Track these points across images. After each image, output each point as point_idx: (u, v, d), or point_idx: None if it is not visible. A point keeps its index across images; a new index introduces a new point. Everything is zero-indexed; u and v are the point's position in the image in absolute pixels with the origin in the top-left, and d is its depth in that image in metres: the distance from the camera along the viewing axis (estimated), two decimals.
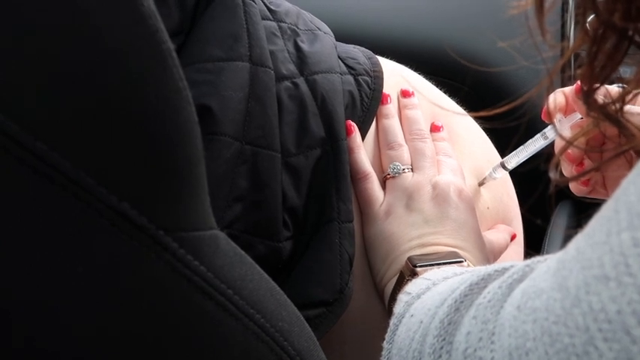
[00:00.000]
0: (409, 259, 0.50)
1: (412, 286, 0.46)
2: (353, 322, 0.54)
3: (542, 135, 0.56)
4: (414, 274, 0.49)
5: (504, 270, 0.37)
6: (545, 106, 0.54)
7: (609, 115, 0.39)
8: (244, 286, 0.31)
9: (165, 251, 0.27)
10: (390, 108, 0.58)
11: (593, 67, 0.38)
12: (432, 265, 0.49)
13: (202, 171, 0.30)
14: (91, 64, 0.25)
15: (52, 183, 0.24)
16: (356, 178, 0.55)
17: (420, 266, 0.49)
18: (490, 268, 0.38)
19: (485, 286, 0.36)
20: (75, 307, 0.26)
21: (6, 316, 0.25)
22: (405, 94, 0.59)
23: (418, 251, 0.52)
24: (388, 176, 0.55)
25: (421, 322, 0.39)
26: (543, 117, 0.55)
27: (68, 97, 0.24)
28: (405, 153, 0.56)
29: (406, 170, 0.55)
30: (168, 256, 0.27)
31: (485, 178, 0.59)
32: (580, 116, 0.53)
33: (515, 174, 0.61)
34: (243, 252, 0.33)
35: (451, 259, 0.50)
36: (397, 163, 0.55)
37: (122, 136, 0.25)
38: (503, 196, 0.62)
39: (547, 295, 0.29)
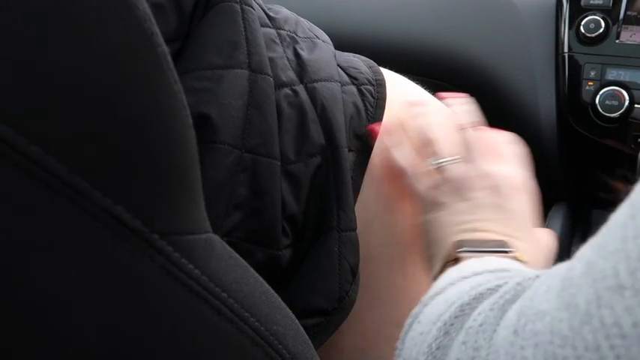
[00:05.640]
0: (456, 242, 0.48)
1: (439, 280, 0.44)
2: (351, 331, 0.54)
3: None
4: (455, 261, 0.46)
5: (497, 288, 0.35)
6: None
7: None
8: (239, 289, 0.31)
9: (159, 255, 0.27)
10: (425, 105, 0.57)
11: None
12: (477, 251, 0.46)
13: (197, 174, 0.30)
14: (85, 67, 0.25)
15: (47, 187, 0.24)
16: (397, 175, 0.54)
17: (465, 251, 0.46)
18: (483, 287, 0.36)
19: (475, 307, 0.34)
20: (68, 311, 0.26)
21: None
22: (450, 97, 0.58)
23: (466, 236, 0.49)
24: (435, 168, 0.54)
25: (421, 333, 0.37)
26: None
27: (62, 101, 0.24)
28: (450, 145, 0.54)
29: (454, 161, 0.54)
30: (163, 260, 0.27)
31: None
32: None
33: None
34: (238, 255, 0.33)
35: (499, 247, 0.47)
36: (442, 156, 0.54)
37: (116, 140, 0.25)
38: None
39: (551, 316, 0.27)
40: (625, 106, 0.84)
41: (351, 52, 0.61)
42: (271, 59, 0.51)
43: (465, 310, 0.35)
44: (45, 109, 0.24)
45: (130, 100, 0.26)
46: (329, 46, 0.58)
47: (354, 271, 0.51)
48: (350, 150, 0.53)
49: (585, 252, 0.27)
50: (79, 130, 0.25)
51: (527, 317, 0.28)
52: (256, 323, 0.31)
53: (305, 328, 0.39)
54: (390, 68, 0.62)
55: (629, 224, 0.25)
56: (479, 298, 0.35)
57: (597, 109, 0.85)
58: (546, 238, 0.55)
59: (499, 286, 0.35)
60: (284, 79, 0.52)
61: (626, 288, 0.23)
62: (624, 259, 0.24)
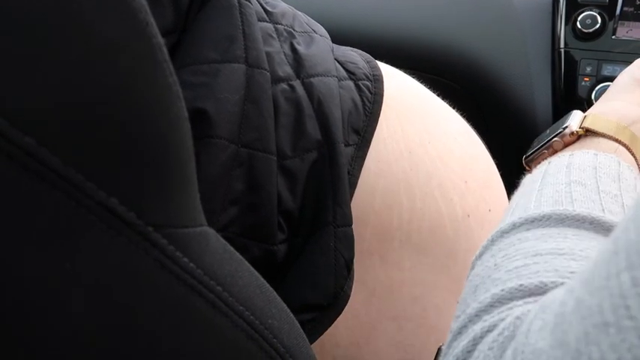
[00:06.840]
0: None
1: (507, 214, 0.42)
2: (346, 326, 0.54)
3: None
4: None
5: (500, 322, 0.34)
6: None
7: None
8: (234, 282, 0.31)
9: (154, 248, 0.27)
10: None
11: None
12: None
13: (192, 167, 0.29)
14: (81, 59, 0.25)
15: (42, 180, 0.24)
16: None
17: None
18: (497, 317, 0.35)
19: (481, 342, 0.34)
20: (62, 304, 0.26)
21: None
22: None
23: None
24: None
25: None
26: None
27: (57, 93, 0.24)
28: None
29: None
30: (157, 253, 0.27)
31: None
32: None
33: (505, 169, 0.61)
34: (232, 249, 0.33)
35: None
36: None
37: (112, 132, 0.25)
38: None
39: (547, 355, 0.27)
40: None
41: (348, 45, 0.61)
42: (268, 54, 0.51)
43: (477, 343, 0.34)
44: (40, 101, 0.24)
45: (124, 92, 0.26)
46: (326, 40, 0.58)
47: (350, 267, 0.51)
48: (347, 145, 0.53)
49: (575, 286, 0.28)
50: (73, 123, 0.25)
51: (524, 355, 0.28)
52: (251, 317, 0.31)
53: (300, 323, 0.38)
54: (386, 62, 0.62)
55: (612, 260, 0.25)
56: (490, 329, 0.34)
57: (593, 104, 0.85)
58: None
59: (501, 319, 0.34)
60: (281, 74, 0.51)
61: (610, 325, 0.24)
62: (608, 296, 0.24)
